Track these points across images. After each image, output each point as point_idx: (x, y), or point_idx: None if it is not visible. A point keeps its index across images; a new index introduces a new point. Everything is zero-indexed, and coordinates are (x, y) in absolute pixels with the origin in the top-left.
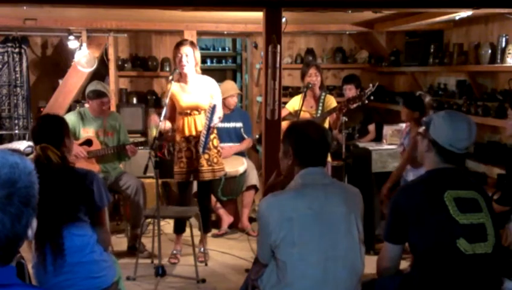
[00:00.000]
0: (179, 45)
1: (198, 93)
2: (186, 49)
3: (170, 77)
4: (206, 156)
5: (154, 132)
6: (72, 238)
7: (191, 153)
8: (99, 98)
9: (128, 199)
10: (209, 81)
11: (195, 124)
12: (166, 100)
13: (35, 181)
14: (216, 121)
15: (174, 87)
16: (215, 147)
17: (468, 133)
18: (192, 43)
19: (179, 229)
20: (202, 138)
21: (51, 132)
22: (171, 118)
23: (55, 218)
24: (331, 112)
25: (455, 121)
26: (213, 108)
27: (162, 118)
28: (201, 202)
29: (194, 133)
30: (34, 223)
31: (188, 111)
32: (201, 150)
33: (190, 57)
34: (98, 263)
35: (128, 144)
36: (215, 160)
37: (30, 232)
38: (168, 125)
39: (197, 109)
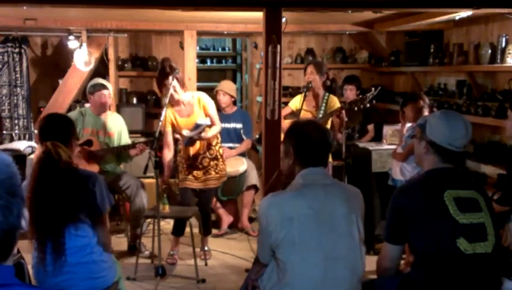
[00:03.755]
0: (163, 78)
1: (193, 113)
2: (173, 83)
3: (166, 100)
4: (214, 165)
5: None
6: (73, 238)
7: (198, 168)
8: (99, 90)
9: (128, 199)
10: (199, 95)
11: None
12: (168, 129)
13: (16, 172)
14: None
15: (170, 114)
16: (221, 156)
17: (465, 130)
18: (172, 72)
19: (179, 231)
20: (188, 135)
21: (60, 130)
22: (169, 142)
23: (57, 218)
24: (333, 113)
25: (451, 120)
26: (196, 126)
27: (162, 118)
28: (203, 207)
29: (198, 150)
30: (26, 212)
31: None
32: (184, 143)
33: (178, 87)
34: (98, 264)
35: (134, 144)
36: (220, 167)
37: (24, 222)
38: (169, 155)
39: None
